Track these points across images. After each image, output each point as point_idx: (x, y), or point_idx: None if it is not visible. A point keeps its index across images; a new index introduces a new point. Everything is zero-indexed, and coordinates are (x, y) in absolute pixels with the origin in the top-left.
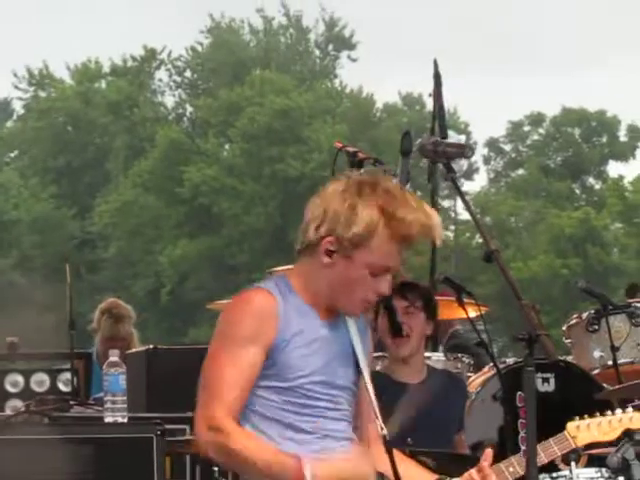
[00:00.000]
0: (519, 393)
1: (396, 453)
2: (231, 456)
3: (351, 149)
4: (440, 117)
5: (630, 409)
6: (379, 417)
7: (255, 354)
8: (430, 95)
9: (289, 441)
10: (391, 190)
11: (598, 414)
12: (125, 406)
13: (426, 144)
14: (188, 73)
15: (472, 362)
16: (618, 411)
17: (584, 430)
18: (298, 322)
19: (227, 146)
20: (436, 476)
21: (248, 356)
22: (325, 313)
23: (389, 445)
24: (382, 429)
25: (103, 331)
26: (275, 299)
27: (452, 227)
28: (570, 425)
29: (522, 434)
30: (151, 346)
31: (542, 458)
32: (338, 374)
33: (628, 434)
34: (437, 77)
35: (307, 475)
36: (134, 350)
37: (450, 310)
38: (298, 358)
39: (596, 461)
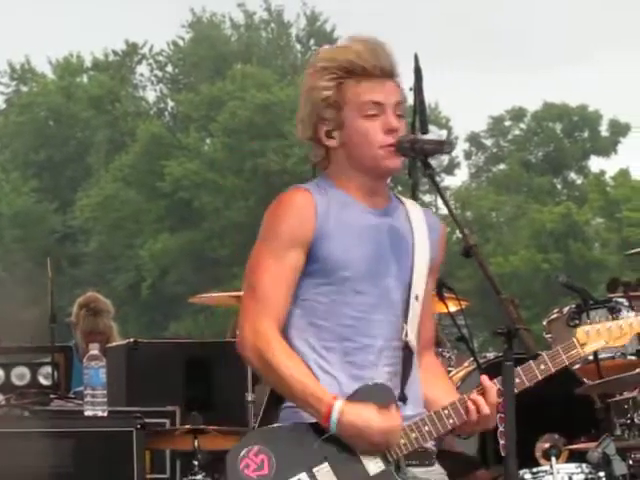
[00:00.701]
0: (497, 387)
1: (429, 366)
2: (269, 369)
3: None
4: (421, 112)
5: None
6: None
7: (297, 256)
8: (410, 89)
9: (330, 351)
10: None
11: (610, 317)
12: (105, 400)
13: (403, 141)
14: (169, 68)
15: (452, 356)
16: (631, 314)
17: (594, 336)
18: (340, 214)
19: (208, 140)
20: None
21: (290, 259)
22: (373, 201)
23: (409, 354)
24: (406, 335)
25: (82, 325)
26: (312, 195)
27: None
28: (580, 331)
29: (501, 429)
30: (131, 340)
31: (549, 367)
32: (390, 266)
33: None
34: (417, 72)
35: (333, 417)
36: (114, 344)
37: None
38: (341, 250)
39: (577, 457)
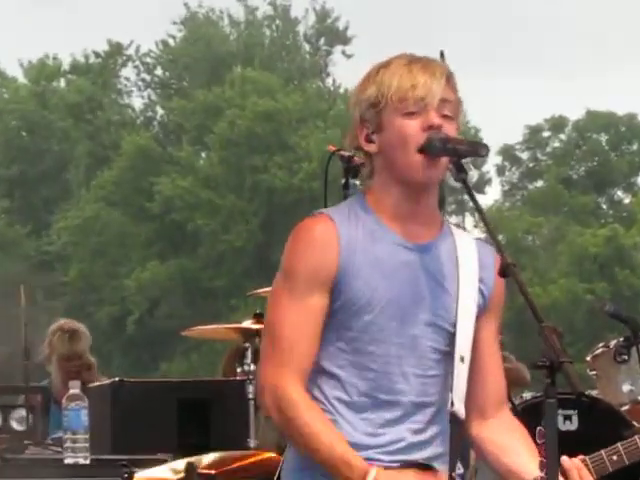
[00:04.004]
0: (539, 428)
1: (505, 427)
2: (292, 428)
3: (346, 154)
4: None
5: None
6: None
7: (320, 297)
8: None
9: (344, 405)
10: None
11: None
12: (87, 445)
13: (434, 139)
14: (159, 71)
15: None
16: None
17: None
18: (369, 246)
19: (203, 154)
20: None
21: (313, 301)
22: (411, 230)
23: (458, 424)
24: (452, 404)
25: (58, 350)
26: (334, 224)
27: None
28: None
29: (542, 475)
30: (117, 379)
31: (607, 466)
32: (421, 312)
33: None
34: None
35: None
36: (97, 383)
37: None
38: (365, 291)
39: None
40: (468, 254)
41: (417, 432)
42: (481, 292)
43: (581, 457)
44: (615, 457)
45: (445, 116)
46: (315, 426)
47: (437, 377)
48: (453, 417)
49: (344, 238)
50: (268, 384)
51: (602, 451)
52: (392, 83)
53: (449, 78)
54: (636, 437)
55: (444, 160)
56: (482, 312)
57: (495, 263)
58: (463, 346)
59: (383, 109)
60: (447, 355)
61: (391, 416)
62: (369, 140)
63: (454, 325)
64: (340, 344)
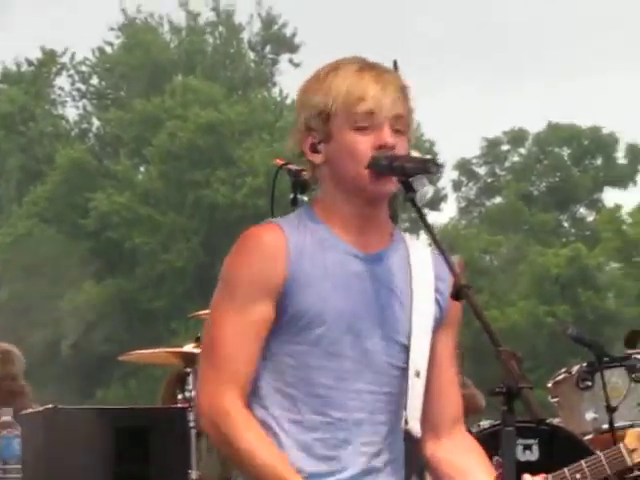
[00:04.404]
0: (496, 458)
1: (461, 446)
2: (229, 445)
3: (294, 167)
4: None
5: None
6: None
7: (265, 309)
8: None
9: (294, 425)
10: None
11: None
12: (20, 476)
13: (380, 158)
14: (95, 80)
15: None
16: None
17: None
18: (319, 256)
19: (142, 168)
20: None
21: (257, 313)
22: (362, 240)
23: (412, 442)
24: (406, 422)
25: None
26: (283, 232)
27: None
28: (631, 434)
29: None
30: (51, 405)
31: (586, 477)
32: (374, 324)
33: None
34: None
35: None
36: (31, 410)
37: None
38: (315, 302)
39: None
40: (422, 264)
41: (372, 454)
42: (437, 303)
43: (543, 475)
44: (579, 475)
45: (397, 131)
46: (252, 443)
47: (393, 394)
48: (407, 435)
49: (293, 247)
50: (205, 401)
51: (565, 469)
52: (341, 92)
53: (402, 91)
54: (600, 454)
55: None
56: (439, 325)
57: (446, 276)
58: (418, 360)
59: (331, 119)
60: (404, 371)
61: (344, 435)
62: (315, 150)
63: (409, 338)
64: (288, 359)
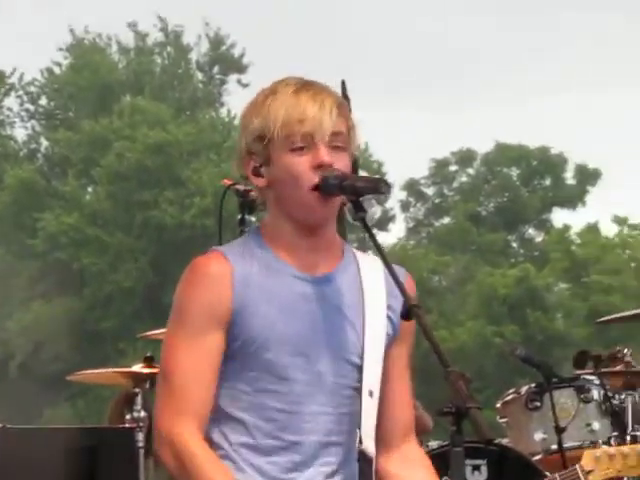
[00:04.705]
0: (445, 478)
1: (411, 457)
2: (188, 477)
3: (242, 188)
4: None
5: None
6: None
7: (217, 338)
8: None
9: (249, 449)
10: None
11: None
12: None
13: (329, 177)
14: (43, 100)
15: None
16: None
17: (604, 462)
18: (265, 281)
19: (90, 189)
20: None
21: (209, 342)
22: (309, 262)
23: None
24: (360, 442)
25: None
26: (227, 260)
27: None
28: (587, 456)
29: None
30: None
31: None
32: (324, 346)
33: None
34: (346, 100)
35: None
36: None
37: None
38: (263, 327)
39: None
40: (374, 281)
41: (328, 474)
42: (390, 320)
43: None
44: None
45: (336, 147)
46: (210, 475)
47: (347, 415)
48: (362, 455)
49: (238, 274)
50: (165, 433)
51: None
52: (278, 116)
53: (340, 107)
54: (556, 475)
55: (339, 197)
56: (391, 341)
57: (407, 286)
58: (371, 380)
59: (270, 143)
60: (357, 390)
61: (300, 458)
62: (257, 173)
63: (361, 358)
64: (241, 386)
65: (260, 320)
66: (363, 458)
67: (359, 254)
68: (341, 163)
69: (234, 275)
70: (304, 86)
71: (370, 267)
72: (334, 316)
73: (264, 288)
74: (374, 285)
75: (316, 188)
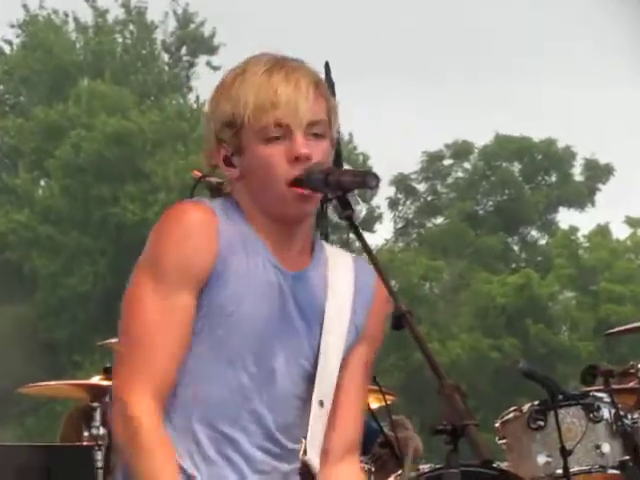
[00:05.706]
0: None
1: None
2: (129, 448)
3: (214, 180)
4: None
5: None
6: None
7: (189, 295)
8: None
9: (181, 431)
10: None
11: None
12: None
13: (314, 172)
14: None
15: (372, 468)
16: None
17: None
18: (244, 257)
19: (43, 182)
20: None
21: (181, 299)
22: (284, 255)
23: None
24: (304, 453)
25: None
26: (216, 217)
27: None
28: None
29: None
30: None
31: None
32: (279, 344)
33: None
34: (329, 85)
35: None
36: None
37: None
38: (232, 300)
39: None
40: (341, 279)
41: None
42: (354, 325)
43: None
44: None
45: (315, 135)
46: (151, 458)
47: (290, 422)
48: (304, 467)
49: (224, 236)
50: (117, 396)
51: None
52: (249, 101)
53: (318, 86)
54: None
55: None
56: (351, 347)
57: (376, 286)
58: (324, 389)
59: (240, 130)
60: (305, 398)
61: (237, 458)
62: (229, 163)
63: (315, 366)
64: (189, 359)
65: (230, 292)
66: (305, 471)
67: (330, 250)
68: (320, 154)
69: (220, 234)
70: (276, 64)
71: (339, 263)
72: (296, 317)
73: (242, 262)
74: (341, 283)
75: (294, 183)
